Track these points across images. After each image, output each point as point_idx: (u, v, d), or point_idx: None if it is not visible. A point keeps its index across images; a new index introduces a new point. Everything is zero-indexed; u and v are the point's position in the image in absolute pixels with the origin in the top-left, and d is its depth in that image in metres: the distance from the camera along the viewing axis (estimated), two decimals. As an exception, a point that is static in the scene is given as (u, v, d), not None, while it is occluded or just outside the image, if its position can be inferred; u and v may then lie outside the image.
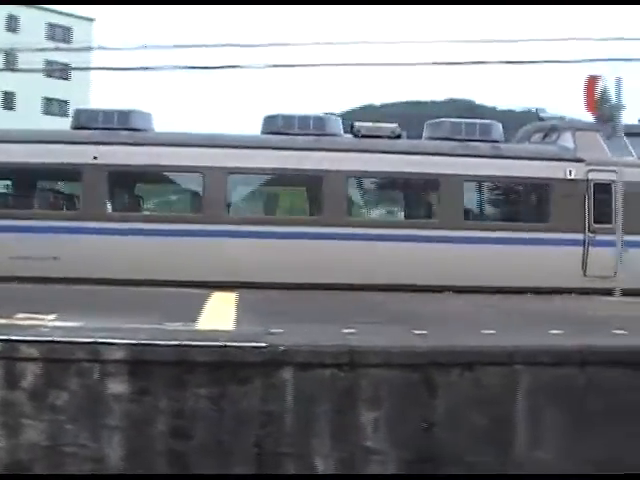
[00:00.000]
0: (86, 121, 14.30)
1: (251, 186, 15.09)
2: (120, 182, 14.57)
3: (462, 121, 14.77)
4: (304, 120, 14.36)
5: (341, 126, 14.62)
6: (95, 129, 13.98)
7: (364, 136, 14.03)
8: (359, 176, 14.17)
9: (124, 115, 14.26)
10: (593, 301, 11.81)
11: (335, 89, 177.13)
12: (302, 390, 5.95)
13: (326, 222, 13.43)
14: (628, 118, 12.72)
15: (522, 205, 14.75)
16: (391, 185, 15.31)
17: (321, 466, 6.02)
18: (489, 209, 14.63)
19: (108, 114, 14.28)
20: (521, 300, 11.51)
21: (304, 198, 15.57)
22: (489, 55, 19.15)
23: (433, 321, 8.41)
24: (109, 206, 14.02)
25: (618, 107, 12.01)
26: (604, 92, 11.98)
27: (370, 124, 14.43)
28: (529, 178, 13.85)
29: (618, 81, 12.16)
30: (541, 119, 15.57)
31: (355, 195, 14.79)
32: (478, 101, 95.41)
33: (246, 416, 5.92)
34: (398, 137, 14.28)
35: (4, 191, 15.87)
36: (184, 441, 5.90)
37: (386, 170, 13.85)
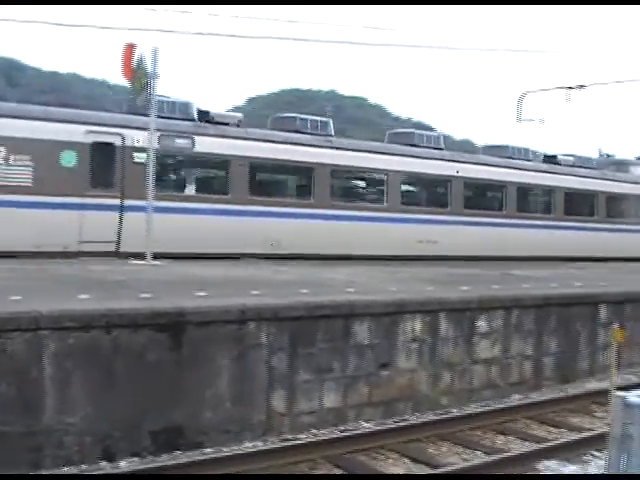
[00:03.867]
0: None
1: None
2: None
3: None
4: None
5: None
6: None
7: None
8: None
9: None
10: (116, 265, 12.26)
11: None
12: None
13: None
14: (161, 86, 13.44)
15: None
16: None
17: None
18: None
19: None
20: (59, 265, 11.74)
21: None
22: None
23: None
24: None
25: (153, 76, 12.67)
26: (140, 60, 12.65)
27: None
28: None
29: (154, 51, 12.71)
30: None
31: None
32: (24, 61, 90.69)
33: None
34: None
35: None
36: None
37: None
